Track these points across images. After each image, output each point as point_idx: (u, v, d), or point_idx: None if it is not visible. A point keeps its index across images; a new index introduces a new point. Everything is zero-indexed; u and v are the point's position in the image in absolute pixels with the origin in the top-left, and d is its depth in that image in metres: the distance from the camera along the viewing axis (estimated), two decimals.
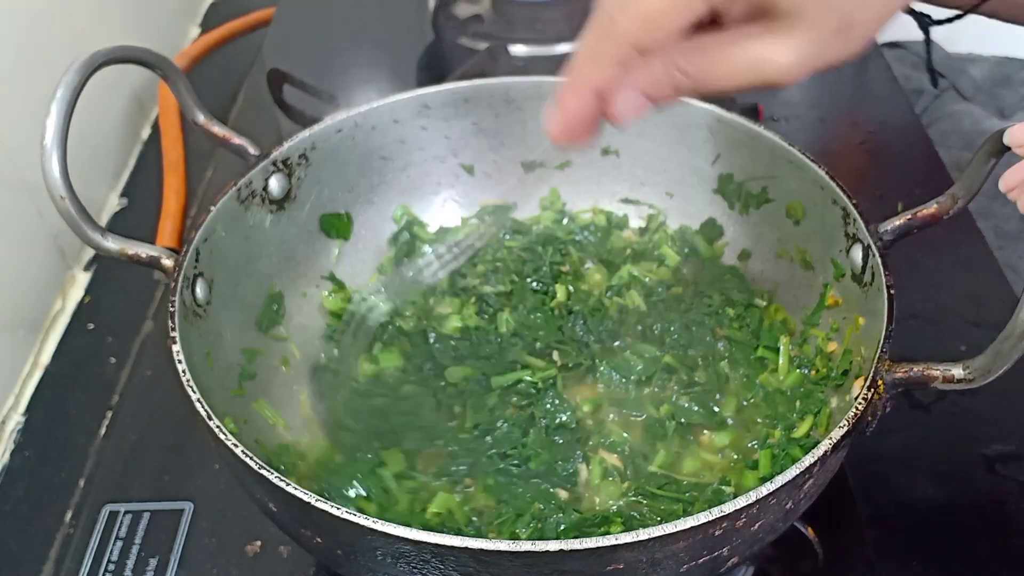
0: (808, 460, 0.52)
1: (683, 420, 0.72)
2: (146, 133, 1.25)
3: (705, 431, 0.72)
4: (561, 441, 0.70)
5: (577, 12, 1.25)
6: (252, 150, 0.75)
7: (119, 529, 0.75)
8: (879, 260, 0.64)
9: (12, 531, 0.80)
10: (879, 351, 0.57)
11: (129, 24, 1.25)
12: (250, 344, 0.75)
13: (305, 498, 0.50)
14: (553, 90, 0.85)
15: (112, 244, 0.64)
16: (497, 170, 0.91)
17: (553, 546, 0.47)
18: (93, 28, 1.13)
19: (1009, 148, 0.59)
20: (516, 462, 0.68)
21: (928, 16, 0.93)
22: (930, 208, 0.66)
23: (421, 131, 0.87)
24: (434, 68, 1.20)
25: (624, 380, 0.75)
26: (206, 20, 1.51)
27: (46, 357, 0.96)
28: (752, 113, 0.94)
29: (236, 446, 0.53)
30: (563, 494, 0.67)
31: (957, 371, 0.54)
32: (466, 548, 0.47)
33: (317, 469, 0.68)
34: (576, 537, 0.48)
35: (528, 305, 0.80)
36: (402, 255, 0.86)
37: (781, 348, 0.75)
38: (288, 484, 0.51)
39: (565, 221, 0.90)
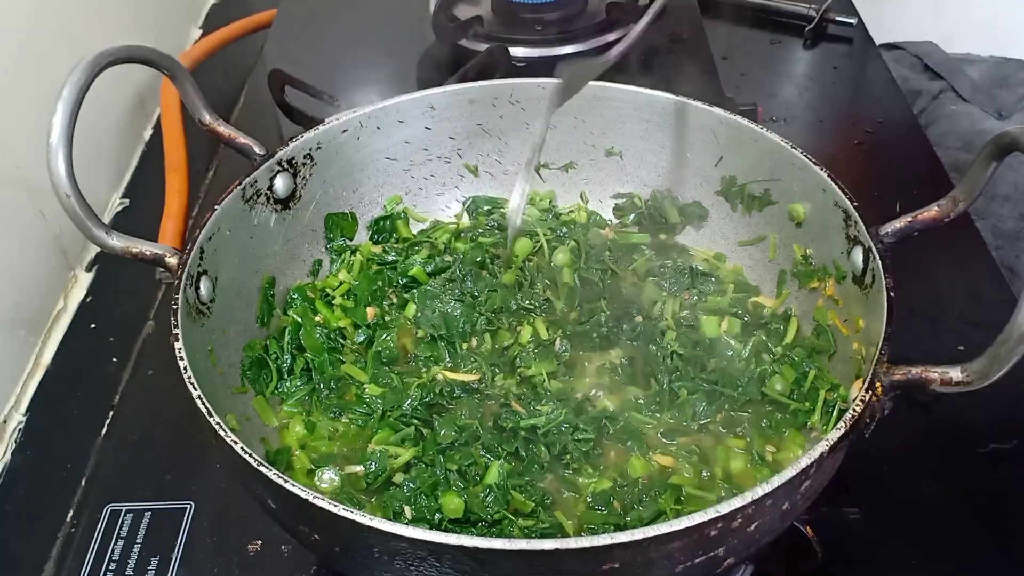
0: (805, 462, 0.52)
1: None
2: (148, 134, 1.26)
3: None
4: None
5: (577, 13, 1.25)
6: (257, 149, 0.76)
7: (121, 528, 0.76)
8: (879, 263, 0.64)
9: (14, 530, 0.80)
10: (878, 353, 0.57)
11: (130, 25, 1.26)
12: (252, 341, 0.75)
13: (303, 495, 0.50)
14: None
15: (117, 242, 0.65)
16: (501, 171, 0.91)
17: (549, 545, 0.47)
18: (94, 30, 1.13)
19: (1011, 151, 0.59)
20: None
21: None
22: (931, 211, 0.66)
23: (426, 131, 0.87)
24: (434, 69, 1.20)
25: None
26: (207, 21, 1.51)
27: (48, 357, 0.96)
28: (751, 114, 0.94)
29: (235, 443, 0.54)
30: None
31: (955, 374, 0.54)
32: (461, 546, 0.48)
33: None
34: None
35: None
36: (375, 240, 0.88)
37: None
38: (287, 481, 0.51)
39: (549, 218, 0.90)
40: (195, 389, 0.57)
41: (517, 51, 1.18)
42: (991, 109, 1.44)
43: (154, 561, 0.73)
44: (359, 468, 0.69)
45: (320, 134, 0.80)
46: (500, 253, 0.86)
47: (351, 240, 0.87)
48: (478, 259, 0.84)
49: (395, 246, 0.87)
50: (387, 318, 0.82)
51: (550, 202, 0.92)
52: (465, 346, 0.78)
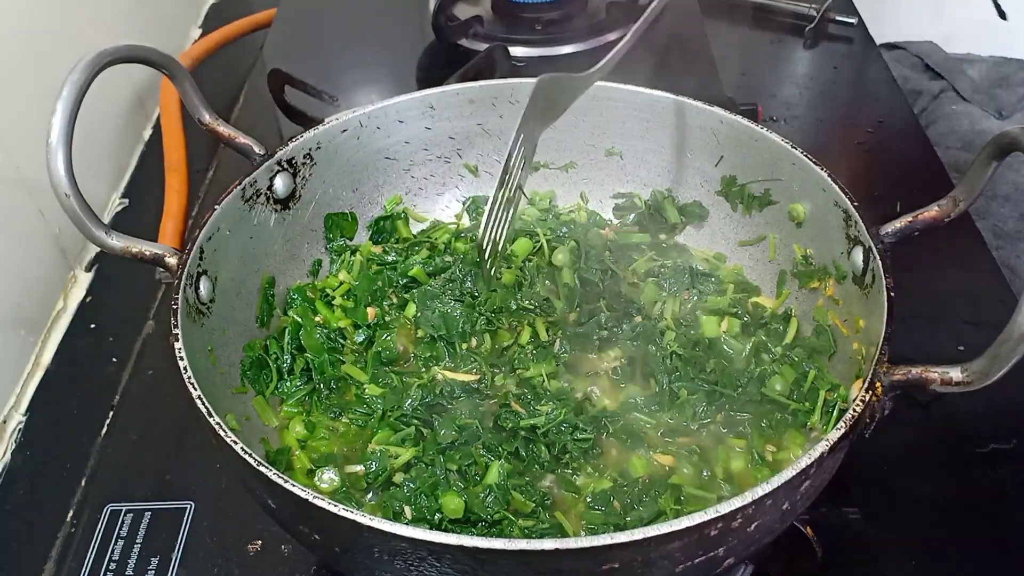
0: (804, 461, 0.52)
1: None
2: (147, 134, 1.26)
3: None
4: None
5: (577, 13, 1.25)
6: (257, 149, 0.76)
7: (120, 528, 0.76)
8: (880, 263, 0.64)
9: (14, 530, 0.80)
10: (878, 353, 0.57)
11: (130, 25, 1.26)
12: (252, 340, 0.75)
13: (303, 495, 0.50)
14: None
15: (116, 242, 0.65)
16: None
17: (548, 545, 0.47)
18: (94, 30, 1.13)
19: (1011, 151, 0.59)
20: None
21: None
22: (931, 211, 0.66)
23: (426, 131, 0.87)
24: (434, 69, 1.20)
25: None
26: (207, 21, 1.51)
27: (47, 357, 0.96)
28: (751, 114, 0.94)
29: (235, 443, 0.54)
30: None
31: (955, 374, 0.54)
32: (461, 546, 0.48)
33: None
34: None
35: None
36: (375, 240, 0.88)
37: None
38: (287, 481, 0.51)
39: (549, 218, 0.90)
40: (195, 389, 0.57)
41: (517, 51, 1.18)
42: (991, 109, 1.44)
43: (154, 561, 0.73)
44: (359, 468, 0.69)
45: (320, 134, 0.80)
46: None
47: (351, 240, 0.87)
48: (478, 259, 0.84)
49: (395, 246, 0.88)
50: (387, 318, 0.82)
51: (550, 202, 0.92)
52: (465, 346, 0.78)
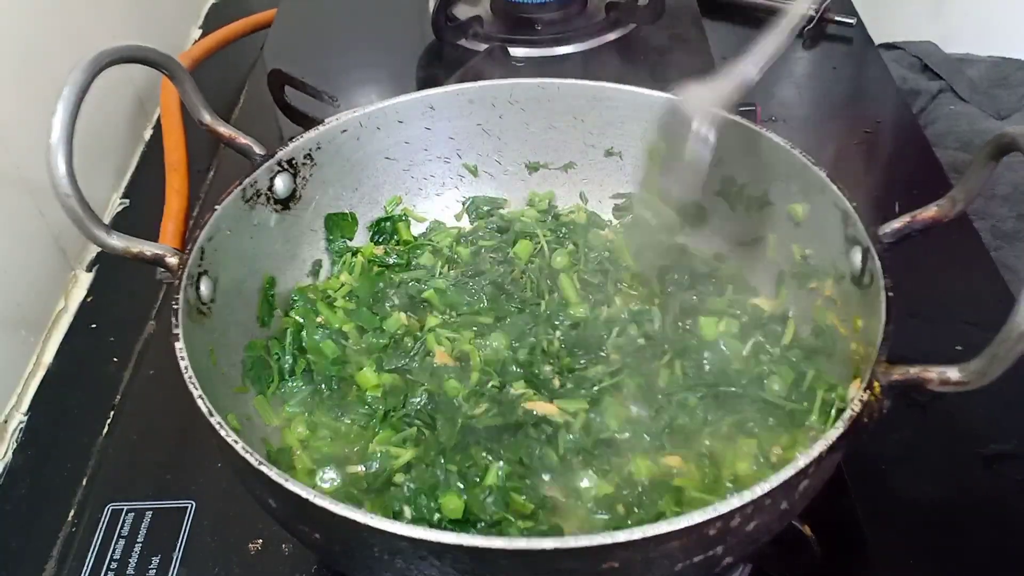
0: (803, 461, 0.52)
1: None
2: (148, 134, 1.26)
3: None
4: None
5: (576, 13, 1.26)
6: (258, 150, 0.76)
7: (122, 528, 0.76)
8: (878, 263, 0.64)
9: (15, 530, 0.80)
10: (876, 353, 0.57)
11: (131, 25, 1.26)
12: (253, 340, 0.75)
13: (303, 494, 0.51)
14: (556, 92, 0.86)
15: (117, 242, 0.65)
16: (501, 171, 0.91)
17: (548, 544, 0.47)
18: (95, 30, 1.13)
19: (1010, 151, 0.59)
20: None
21: None
22: (929, 211, 0.66)
23: (426, 132, 0.87)
24: (434, 69, 1.20)
25: None
26: (207, 21, 1.52)
27: (48, 357, 0.96)
28: (750, 114, 0.94)
29: (236, 442, 0.54)
30: None
31: (953, 373, 0.54)
32: (461, 546, 0.48)
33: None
34: None
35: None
36: (376, 241, 0.88)
37: None
38: (288, 480, 0.51)
39: (549, 219, 0.90)
40: (196, 389, 0.57)
41: (517, 51, 1.18)
42: (990, 109, 1.44)
43: (155, 560, 0.73)
44: (360, 468, 0.69)
45: (320, 134, 0.80)
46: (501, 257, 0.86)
47: (351, 241, 0.87)
48: (480, 264, 0.85)
49: (396, 248, 0.88)
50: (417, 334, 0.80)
51: (549, 203, 0.92)
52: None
